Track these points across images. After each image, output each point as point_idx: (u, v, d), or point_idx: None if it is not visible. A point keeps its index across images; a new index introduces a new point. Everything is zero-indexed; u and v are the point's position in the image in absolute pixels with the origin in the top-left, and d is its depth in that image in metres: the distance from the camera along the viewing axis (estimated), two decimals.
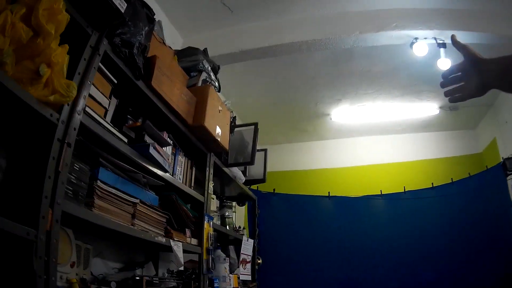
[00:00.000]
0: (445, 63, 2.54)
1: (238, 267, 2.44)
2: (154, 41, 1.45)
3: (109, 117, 1.23)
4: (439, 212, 3.27)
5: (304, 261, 3.32)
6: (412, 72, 3.14)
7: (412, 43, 2.54)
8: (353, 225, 3.38)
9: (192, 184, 1.79)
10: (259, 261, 2.91)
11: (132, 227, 1.23)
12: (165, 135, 1.51)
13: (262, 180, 2.79)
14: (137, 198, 1.26)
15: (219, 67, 2.05)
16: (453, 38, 0.84)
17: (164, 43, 1.57)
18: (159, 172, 1.41)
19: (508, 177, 3.11)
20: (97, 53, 1.11)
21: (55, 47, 0.93)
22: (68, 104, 0.98)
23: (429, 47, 2.55)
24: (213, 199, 2.04)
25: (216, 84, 1.99)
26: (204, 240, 1.76)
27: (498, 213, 3.06)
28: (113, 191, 1.15)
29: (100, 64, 1.14)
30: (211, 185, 1.90)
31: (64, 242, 1.08)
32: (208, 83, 1.86)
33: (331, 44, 2.62)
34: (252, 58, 2.76)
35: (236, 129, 2.30)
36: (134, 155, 1.26)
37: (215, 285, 1.86)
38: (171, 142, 1.59)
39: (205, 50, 2.01)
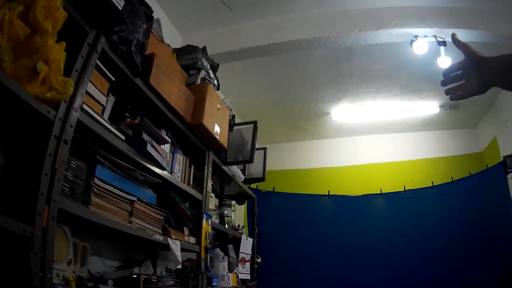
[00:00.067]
0: (445, 61, 2.53)
1: (237, 266, 2.43)
2: (153, 39, 1.45)
3: (106, 114, 1.22)
4: (439, 211, 3.26)
5: (304, 260, 3.31)
6: (412, 71, 3.13)
7: (412, 41, 2.53)
8: (353, 224, 3.38)
9: (191, 183, 1.79)
10: (258, 260, 2.90)
11: (130, 225, 1.23)
12: (163, 133, 1.51)
13: (262, 179, 2.78)
14: (134, 196, 1.26)
15: (218, 65, 2.05)
16: (453, 36, 0.84)
17: (162, 41, 1.57)
18: (157, 170, 1.40)
19: (509, 177, 3.10)
20: (95, 50, 1.11)
21: (52, 44, 0.93)
22: (65, 101, 0.98)
23: (429, 45, 2.54)
24: (212, 197, 2.04)
25: (215, 82, 1.99)
26: (203, 239, 1.75)
27: (498, 212, 3.05)
28: (110, 188, 1.15)
29: (97, 61, 1.13)
30: (209, 183, 1.90)
31: (61, 240, 1.08)
32: (207, 81, 1.85)
33: (330, 42, 2.61)
34: (252, 57, 2.76)
35: (235, 127, 2.30)
36: (132, 153, 1.25)
37: (214, 283, 1.86)
38: (170, 140, 1.58)
39: (204, 48, 2.00)
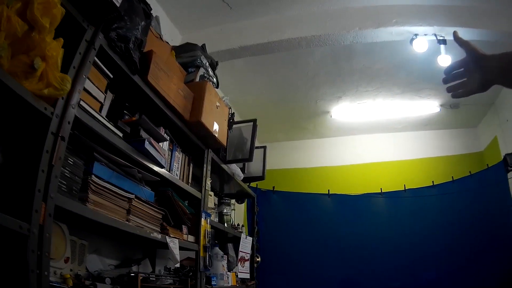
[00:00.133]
0: (445, 59, 2.53)
1: (237, 265, 2.43)
2: (151, 36, 1.44)
3: (104, 111, 1.22)
4: (440, 210, 3.25)
5: (304, 260, 3.30)
6: (412, 70, 3.12)
7: (412, 40, 2.53)
8: (353, 223, 3.37)
9: (190, 181, 1.79)
10: (258, 259, 2.90)
11: (127, 222, 1.22)
12: (161, 131, 1.50)
13: (261, 178, 2.78)
14: (132, 194, 1.25)
15: (217, 63, 2.04)
16: (455, 34, 0.84)
17: (161, 38, 1.56)
18: (155, 168, 1.40)
19: (509, 176, 3.09)
20: (93, 47, 1.10)
21: (49, 41, 0.93)
22: (62, 98, 0.98)
23: (429, 44, 2.53)
24: (211, 196, 2.03)
25: (214, 80, 1.98)
26: (201, 237, 1.75)
27: (498, 212, 3.04)
28: (108, 186, 1.14)
29: (95, 58, 1.13)
30: (208, 182, 1.89)
31: (58, 237, 1.08)
32: (206, 79, 1.85)
33: (330, 40, 2.61)
34: (252, 55, 2.75)
35: (235, 125, 2.29)
36: (129, 150, 1.25)
37: (213, 282, 1.86)
38: (168, 137, 1.58)
39: (203, 46, 2.00)
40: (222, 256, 2.04)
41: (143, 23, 1.32)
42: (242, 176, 2.47)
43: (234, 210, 2.95)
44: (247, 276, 2.56)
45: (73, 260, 1.16)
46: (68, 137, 0.97)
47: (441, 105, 3.75)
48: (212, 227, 1.92)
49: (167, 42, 1.63)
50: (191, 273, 1.67)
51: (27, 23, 0.86)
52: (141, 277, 1.25)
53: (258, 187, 3.31)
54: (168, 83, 1.47)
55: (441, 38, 2.49)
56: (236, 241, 2.50)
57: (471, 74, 0.81)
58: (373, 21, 2.51)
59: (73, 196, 1.01)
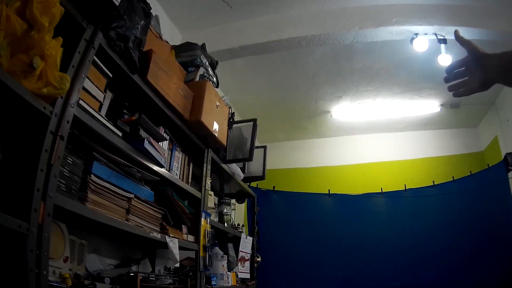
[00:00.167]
0: (445, 59, 2.52)
1: (237, 265, 2.42)
2: (151, 35, 1.44)
3: (104, 111, 1.22)
4: (440, 210, 3.25)
5: (304, 260, 3.30)
6: (412, 69, 3.12)
7: (412, 39, 2.52)
8: (354, 223, 3.36)
9: (190, 180, 1.78)
10: (258, 259, 2.89)
11: (127, 222, 1.22)
12: (161, 130, 1.50)
13: (261, 177, 2.77)
14: (131, 193, 1.25)
15: (217, 63, 2.04)
16: (456, 33, 0.85)
17: (161, 38, 1.56)
18: (155, 167, 1.39)
19: (510, 175, 3.09)
20: (92, 46, 1.10)
21: (49, 40, 0.93)
22: (61, 97, 0.97)
23: (429, 43, 2.53)
24: (211, 195, 2.03)
25: (214, 79, 1.98)
26: (201, 237, 1.74)
27: (499, 212, 3.04)
28: (107, 185, 1.14)
29: (95, 57, 1.13)
30: (208, 181, 1.89)
31: (57, 237, 1.07)
32: (205, 79, 1.84)
33: (330, 39, 2.61)
34: (252, 54, 2.75)
35: (235, 125, 2.28)
36: (129, 150, 1.24)
37: (213, 282, 1.85)
38: (168, 137, 1.57)
39: (203, 46, 1.99)
40: (222, 256, 2.03)
41: (142, 22, 1.32)
42: (242, 175, 2.47)
43: (235, 210, 2.94)
44: (247, 276, 2.55)
45: (72, 260, 1.16)
46: (67, 136, 0.97)
47: (441, 105, 3.75)
48: (212, 227, 1.92)
49: (167, 42, 1.63)
50: (191, 273, 1.66)
51: (26, 22, 0.86)
52: (140, 277, 1.24)
53: (258, 187, 3.30)
54: (167, 82, 1.47)
55: (442, 37, 2.49)
56: (236, 241, 2.49)
57: (472, 73, 0.82)
58: (373, 20, 2.50)
59: (72, 195, 1.00)
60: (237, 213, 3.22)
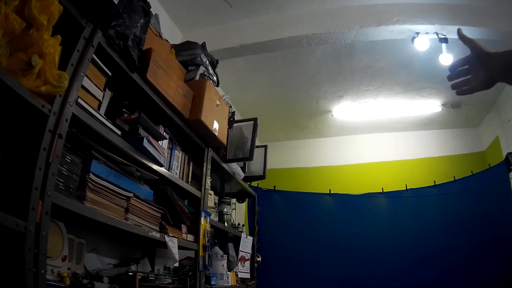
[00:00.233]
0: (447, 58, 2.51)
1: (237, 264, 2.42)
2: (150, 34, 1.44)
3: (103, 109, 1.21)
4: (441, 210, 3.24)
5: (304, 259, 3.29)
6: (414, 69, 3.11)
7: (413, 38, 2.51)
8: (354, 223, 3.36)
9: (190, 180, 1.78)
10: (258, 259, 2.88)
11: (126, 221, 1.21)
12: (161, 129, 1.50)
13: (262, 177, 2.76)
14: (130, 192, 1.25)
15: (217, 62, 2.03)
16: (459, 31, 0.85)
17: (161, 36, 1.56)
18: (154, 166, 1.39)
19: (511, 176, 3.07)
20: (91, 44, 1.10)
21: (47, 38, 0.92)
22: (60, 95, 0.97)
23: (430, 42, 2.52)
24: (211, 195, 2.02)
25: (214, 78, 1.97)
26: (201, 237, 1.74)
27: (500, 212, 3.03)
28: (106, 184, 1.14)
29: (94, 56, 1.12)
30: (208, 181, 1.88)
31: (56, 236, 1.07)
32: (206, 77, 1.84)
33: (331, 38, 2.60)
34: (252, 53, 2.75)
35: (235, 124, 2.28)
36: (128, 148, 1.24)
37: (212, 282, 1.84)
38: (167, 136, 1.57)
39: (203, 44, 1.99)
40: (222, 256, 2.03)
41: (142, 20, 1.31)
42: (242, 175, 2.46)
43: (235, 209, 2.94)
44: (247, 276, 2.55)
45: (71, 259, 1.15)
46: (66, 135, 0.97)
47: (442, 105, 3.73)
48: (212, 226, 1.91)
49: (167, 40, 1.62)
50: (190, 273, 1.66)
51: (25, 21, 0.86)
52: (139, 276, 1.24)
53: (259, 186, 3.30)
54: (167, 81, 1.47)
55: (443, 36, 2.48)
56: (236, 240, 2.49)
57: (475, 71, 0.82)
58: (374, 19, 2.50)
59: (70, 194, 1.00)
60: (238, 212, 3.21)
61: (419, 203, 3.32)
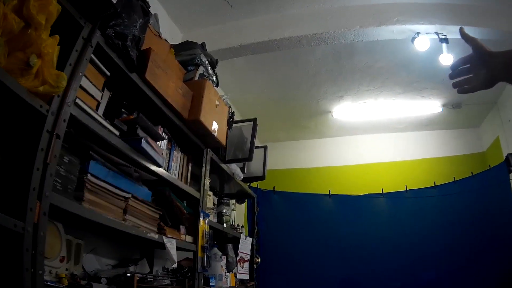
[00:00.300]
0: (447, 58, 2.51)
1: (236, 266, 2.41)
2: (150, 34, 1.43)
3: (101, 109, 1.20)
4: (441, 211, 3.23)
5: (304, 260, 3.29)
6: (414, 69, 3.11)
7: (413, 38, 2.51)
8: (354, 224, 3.35)
9: (189, 180, 1.77)
10: (257, 260, 2.88)
11: (124, 222, 1.21)
12: (160, 130, 1.49)
13: (262, 178, 2.76)
14: (129, 193, 1.24)
15: (217, 62, 2.03)
16: (461, 30, 0.86)
17: (160, 36, 1.55)
18: (153, 167, 1.38)
19: (511, 176, 3.07)
20: (89, 44, 1.09)
21: (45, 38, 0.92)
22: (58, 96, 0.96)
23: (431, 42, 2.52)
24: (210, 195, 2.01)
25: (214, 78, 1.97)
26: (199, 238, 1.73)
27: (500, 213, 3.03)
28: (104, 185, 1.13)
29: (92, 56, 1.12)
30: (207, 181, 1.87)
31: (54, 236, 1.07)
32: (205, 77, 1.83)
33: (331, 38, 2.60)
34: (252, 53, 2.74)
35: (235, 125, 2.27)
36: (126, 149, 1.23)
37: (211, 283, 1.84)
38: (166, 136, 1.56)
39: (203, 44, 1.98)
40: (221, 257, 2.02)
41: (141, 20, 1.31)
42: (242, 176, 2.46)
43: (235, 210, 2.93)
44: (247, 277, 2.54)
45: (69, 260, 1.15)
46: (64, 135, 0.96)
47: (443, 105, 3.73)
48: (210, 227, 1.90)
49: (166, 40, 1.62)
50: (189, 274, 1.65)
51: (23, 20, 0.85)
52: (137, 278, 1.24)
53: (258, 187, 3.29)
54: (166, 81, 1.46)
55: (443, 36, 2.47)
56: (236, 241, 2.48)
57: (477, 70, 0.82)
58: (375, 19, 2.49)
59: (68, 194, 1.00)
60: (237, 213, 3.20)
61: (419, 204, 3.32)
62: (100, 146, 1.14)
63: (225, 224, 2.32)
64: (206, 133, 1.75)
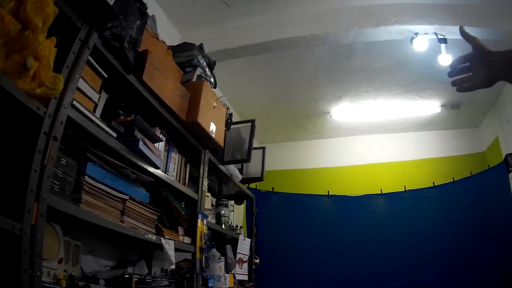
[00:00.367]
0: (446, 58, 2.51)
1: (235, 266, 2.41)
2: (147, 35, 1.43)
3: (99, 111, 1.21)
4: (440, 211, 3.24)
5: (303, 261, 3.29)
6: (413, 69, 3.11)
7: (412, 39, 2.51)
8: (353, 224, 3.35)
9: (187, 182, 1.77)
10: (256, 261, 2.88)
11: (121, 224, 1.21)
12: (157, 131, 1.49)
13: (260, 179, 2.76)
14: (126, 195, 1.24)
15: (215, 63, 2.03)
16: (461, 29, 0.86)
17: (157, 38, 1.55)
18: (150, 169, 1.38)
19: (511, 177, 3.07)
20: (86, 46, 1.09)
21: (42, 40, 0.92)
22: (55, 98, 0.97)
23: (429, 43, 2.52)
24: (208, 197, 2.01)
25: (212, 80, 1.97)
26: (198, 239, 1.73)
27: (499, 213, 3.03)
28: (101, 186, 1.13)
29: (89, 57, 1.12)
30: (205, 183, 1.87)
31: (51, 238, 1.07)
32: (203, 79, 1.83)
33: (330, 39, 2.60)
34: (251, 54, 2.75)
35: (233, 126, 2.27)
36: (123, 151, 1.23)
37: (210, 284, 1.84)
38: (164, 138, 1.57)
39: (200, 46, 1.98)
40: (220, 258, 2.02)
41: (138, 22, 1.31)
42: (240, 177, 2.46)
43: (233, 211, 2.93)
44: (245, 277, 2.54)
45: (67, 261, 1.15)
46: (61, 137, 0.96)
47: (442, 105, 3.73)
48: (209, 228, 1.91)
49: (164, 42, 1.62)
50: (187, 275, 1.65)
51: (20, 22, 0.86)
52: (136, 279, 1.24)
53: (257, 188, 3.29)
54: (164, 82, 1.46)
55: (442, 37, 2.48)
56: (234, 242, 2.48)
57: (477, 69, 0.83)
58: (373, 20, 2.50)
59: (66, 196, 1.00)
60: (236, 214, 3.20)
61: (418, 204, 3.32)
62: (98, 148, 1.14)
63: (223, 225, 2.32)
64: (204, 135, 1.75)
